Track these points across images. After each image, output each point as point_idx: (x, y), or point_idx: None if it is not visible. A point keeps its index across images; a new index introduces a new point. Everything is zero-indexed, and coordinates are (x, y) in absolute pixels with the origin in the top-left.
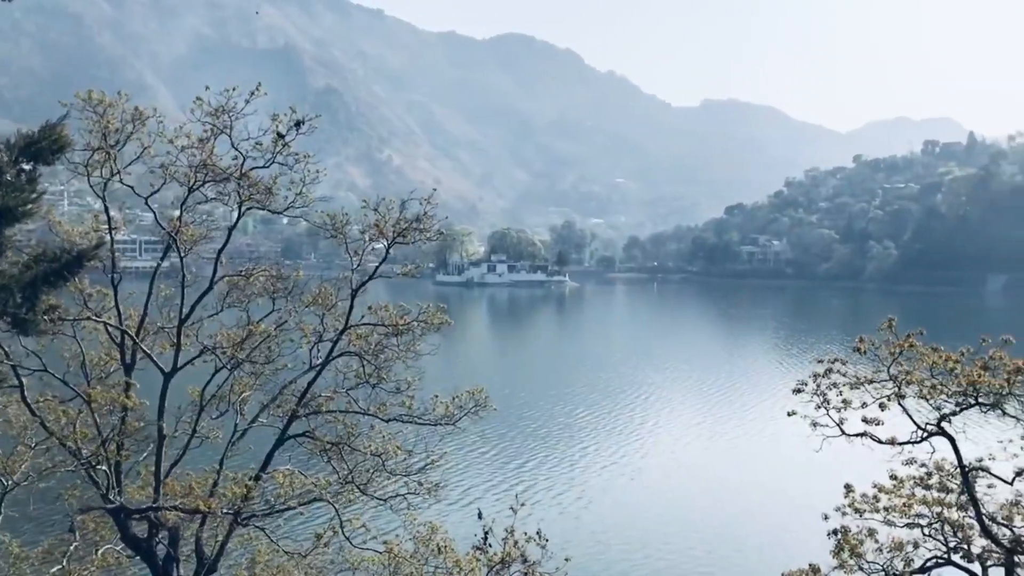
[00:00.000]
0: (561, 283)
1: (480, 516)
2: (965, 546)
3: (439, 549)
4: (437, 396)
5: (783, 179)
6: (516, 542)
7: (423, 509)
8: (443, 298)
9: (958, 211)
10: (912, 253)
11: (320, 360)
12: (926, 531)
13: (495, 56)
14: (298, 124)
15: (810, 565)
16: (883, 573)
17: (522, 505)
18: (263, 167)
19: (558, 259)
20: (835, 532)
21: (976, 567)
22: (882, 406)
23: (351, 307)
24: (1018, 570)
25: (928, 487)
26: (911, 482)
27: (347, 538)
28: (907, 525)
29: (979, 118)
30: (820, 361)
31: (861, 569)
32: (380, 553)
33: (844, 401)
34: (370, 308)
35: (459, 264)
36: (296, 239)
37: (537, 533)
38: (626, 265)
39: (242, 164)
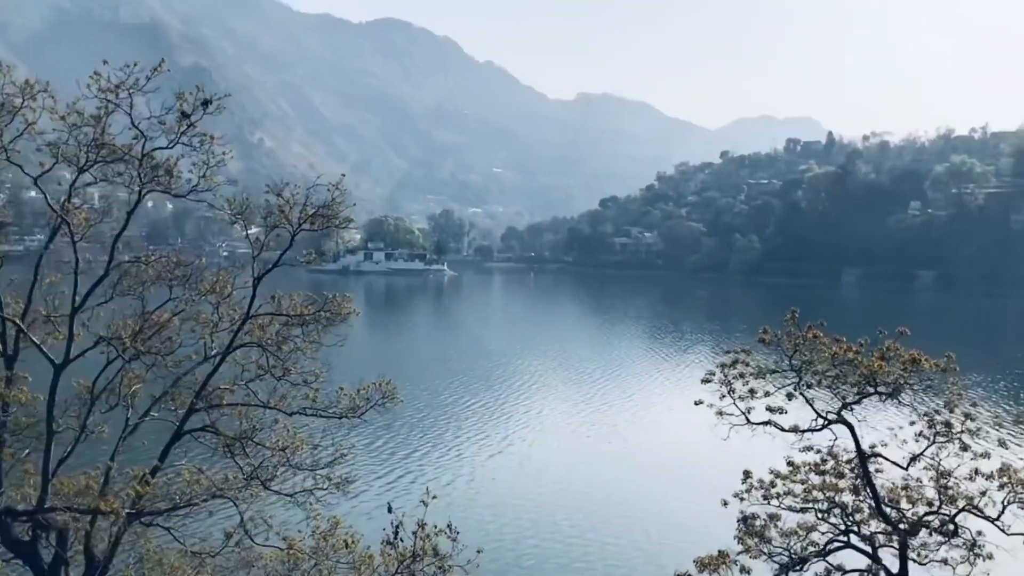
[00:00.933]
0: (439, 272)
1: (390, 510)
2: (860, 529)
3: (345, 544)
4: (342, 388)
5: (654, 173)
6: (428, 536)
7: (333, 505)
8: (319, 287)
9: (817, 207)
10: (774, 246)
11: (219, 352)
12: (824, 515)
13: (372, 41)
14: (205, 103)
15: (719, 551)
16: (787, 556)
17: (434, 498)
18: (166, 148)
19: (436, 248)
20: (743, 519)
21: (870, 548)
22: (790, 396)
23: (253, 296)
24: (910, 551)
25: (825, 473)
26: (805, 468)
27: (248, 535)
28: (803, 510)
29: (837, 119)
30: (728, 352)
31: (765, 553)
32: (281, 550)
33: (751, 391)
34: (273, 297)
35: (335, 252)
36: (161, 223)
37: (448, 526)
38: (504, 255)
39: (143, 144)
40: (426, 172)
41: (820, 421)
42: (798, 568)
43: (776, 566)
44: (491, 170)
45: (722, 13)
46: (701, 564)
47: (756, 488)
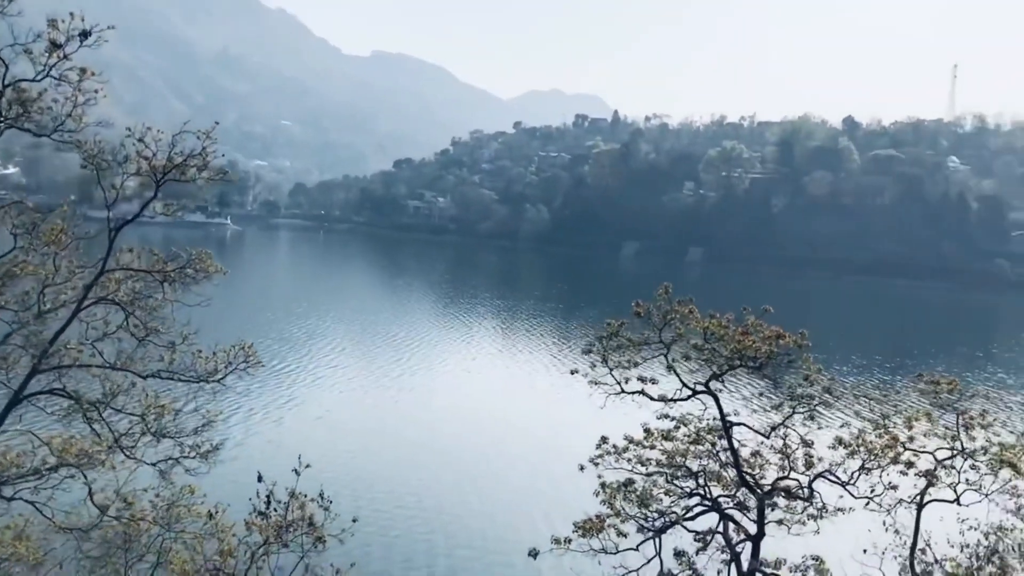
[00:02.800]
0: (222, 226)
1: (260, 479)
2: (723, 492)
3: (209, 515)
4: (201, 351)
5: (449, 138)
6: (302, 504)
7: (202, 474)
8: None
9: (602, 182)
10: (562, 217)
11: (71, 308)
12: (674, 480)
13: None
14: (84, 35)
15: (596, 516)
16: (657, 520)
17: (307, 466)
18: (34, 80)
19: (219, 201)
20: (602, 485)
21: (736, 513)
22: (671, 368)
23: (109, 250)
24: (769, 513)
25: (674, 439)
26: (659, 434)
27: (99, 508)
28: (650, 475)
29: (622, 98)
30: (609, 323)
31: (633, 518)
32: (133, 521)
33: (630, 362)
34: (131, 250)
35: (108, 200)
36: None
37: (320, 495)
38: (292, 211)
39: (4, 74)
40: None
41: (684, 391)
42: (665, 532)
43: (647, 531)
44: (279, 123)
45: None
46: (583, 529)
47: (610, 453)
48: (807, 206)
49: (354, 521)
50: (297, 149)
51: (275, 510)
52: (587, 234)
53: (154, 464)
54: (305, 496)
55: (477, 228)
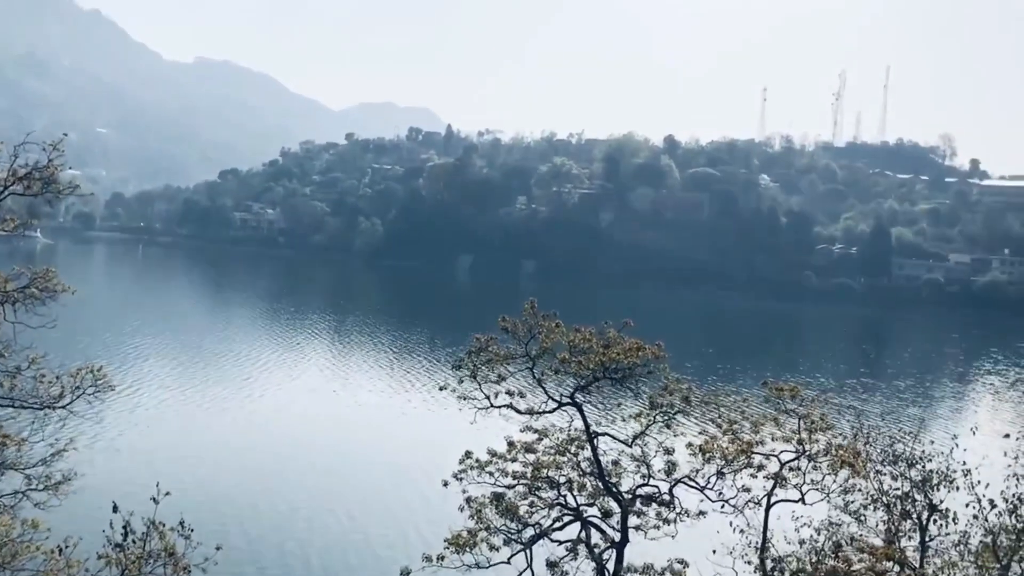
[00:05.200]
0: (31, 239)
1: (115, 509)
2: (586, 501)
3: (59, 550)
4: (44, 375)
5: (277, 148)
6: (161, 534)
7: (53, 507)
8: None
9: (436, 195)
10: (396, 230)
11: None
12: (535, 491)
13: None
14: None
15: (468, 530)
16: (525, 531)
17: (166, 494)
18: None
19: (28, 211)
20: (467, 500)
21: (600, 521)
22: (540, 382)
23: None
24: (630, 519)
25: (535, 452)
26: (521, 446)
27: None
28: (510, 487)
29: (454, 112)
30: (477, 338)
31: (501, 531)
32: None
33: (500, 376)
34: None
35: None
36: None
37: (180, 523)
38: (108, 223)
39: None
40: (14, 125)
41: (552, 404)
42: (534, 543)
43: (517, 543)
44: (94, 130)
45: None
46: (455, 545)
47: (473, 468)
48: (632, 220)
49: (218, 549)
50: (114, 158)
51: (133, 541)
52: (422, 247)
53: None
54: (164, 525)
55: (309, 241)
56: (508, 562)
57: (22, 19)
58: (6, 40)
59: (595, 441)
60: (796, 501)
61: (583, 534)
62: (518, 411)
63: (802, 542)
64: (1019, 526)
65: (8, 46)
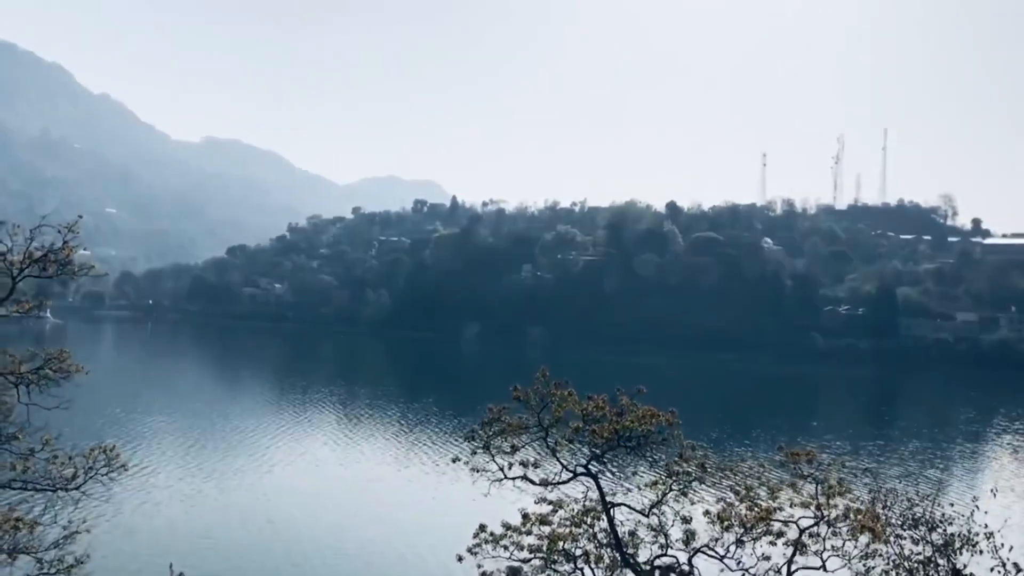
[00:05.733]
0: (40, 319)
1: None
2: (604, 574)
3: None
4: (57, 456)
5: (284, 224)
6: None
7: None
8: None
9: (443, 265)
10: (404, 301)
11: None
12: (566, 564)
13: None
14: None
15: None
16: None
17: (180, 575)
18: None
19: (38, 292)
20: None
21: None
22: (554, 452)
23: None
24: None
25: (550, 524)
26: (536, 519)
27: None
28: (526, 560)
29: (458, 184)
30: (489, 408)
31: None
32: None
33: (513, 447)
34: None
35: None
36: None
37: None
38: (117, 302)
39: None
40: (26, 207)
41: (565, 474)
42: None
43: None
44: (103, 210)
45: (347, 71)
46: None
47: (488, 542)
48: (638, 286)
49: None
50: (123, 237)
51: None
52: (429, 317)
53: None
54: None
55: (317, 314)
56: None
57: (35, 103)
58: (20, 123)
59: (611, 511)
60: (817, 568)
61: None
62: (532, 482)
63: None
64: None
65: (22, 129)
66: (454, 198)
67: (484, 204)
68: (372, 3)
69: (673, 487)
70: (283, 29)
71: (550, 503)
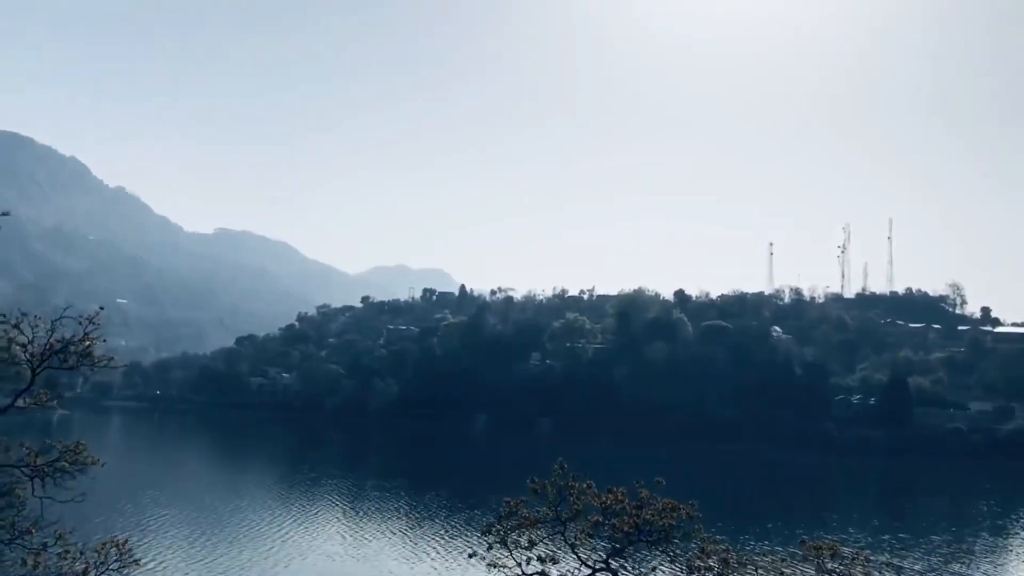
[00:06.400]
0: (47, 410)
1: None
2: None
3: None
4: (69, 551)
5: (294, 313)
6: None
7: None
8: None
9: (451, 354)
10: (412, 390)
11: None
12: None
13: None
14: None
15: None
16: None
17: None
18: None
19: (46, 383)
20: None
21: None
22: (573, 547)
23: None
24: None
25: None
26: None
27: None
28: None
29: (466, 274)
30: (506, 502)
31: None
32: None
33: (531, 541)
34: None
35: None
36: None
37: None
38: (126, 392)
39: None
40: (37, 298)
41: (586, 569)
42: None
43: None
44: (115, 300)
45: (356, 163)
46: None
47: None
48: (647, 374)
49: None
50: (134, 327)
51: None
52: (438, 406)
53: None
54: None
55: (324, 403)
56: None
57: (51, 195)
58: (35, 215)
59: None
60: None
61: None
62: None
63: None
64: None
65: (37, 220)
66: (462, 286)
67: (492, 292)
68: (381, 96)
69: None
70: (295, 123)
71: None
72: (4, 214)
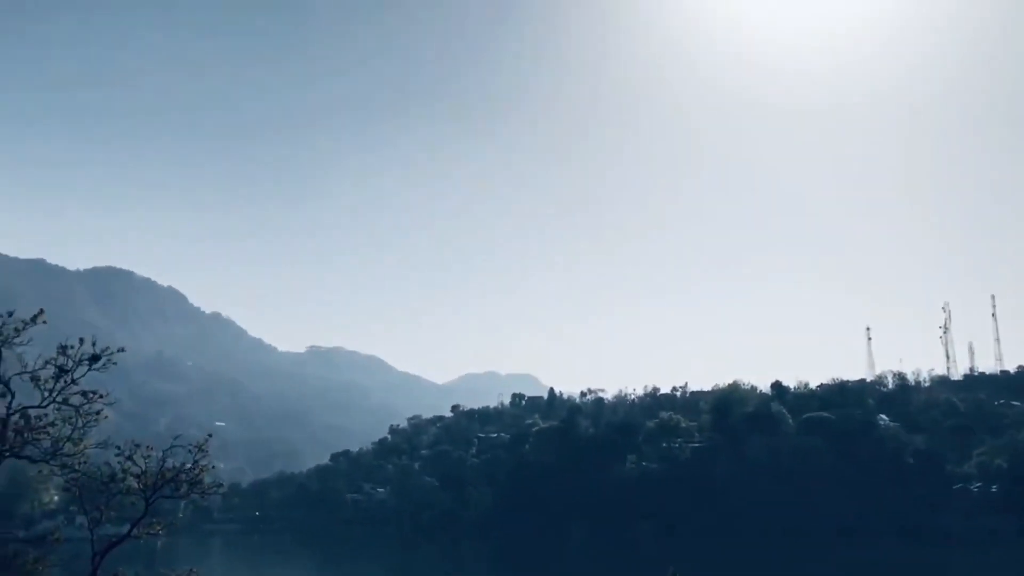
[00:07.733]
0: (152, 536)
1: None
2: None
3: None
4: None
5: (386, 426)
6: None
7: None
8: (6, 564)
9: (544, 459)
10: (506, 499)
11: None
12: None
13: (88, 288)
14: (93, 359)
15: None
16: None
17: None
18: (39, 407)
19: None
20: None
21: None
22: None
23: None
24: None
25: None
26: None
27: None
28: None
29: (555, 376)
30: None
31: None
32: None
33: None
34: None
35: (30, 516)
36: None
37: None
38: (225, 515)
39: (11, 402)
40: (139, 426)
41: None
42: None
43: None
44: (213, 424)
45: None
46: None
47: None
48: (748, 472)
49: None
50: (231, 449)
51: None
52: (533, 514)
53: None
54: None
55: (419, 517)
56: None
57: (151, 324)
58: (136, 345)
59: None
60: None
61: None
62: None
63: None
64: None
65: (138, 350)
66: (551, 390)
67: (582, 394)
68: (456, 212)
69: None
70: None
71: None
72: (120, 350)
